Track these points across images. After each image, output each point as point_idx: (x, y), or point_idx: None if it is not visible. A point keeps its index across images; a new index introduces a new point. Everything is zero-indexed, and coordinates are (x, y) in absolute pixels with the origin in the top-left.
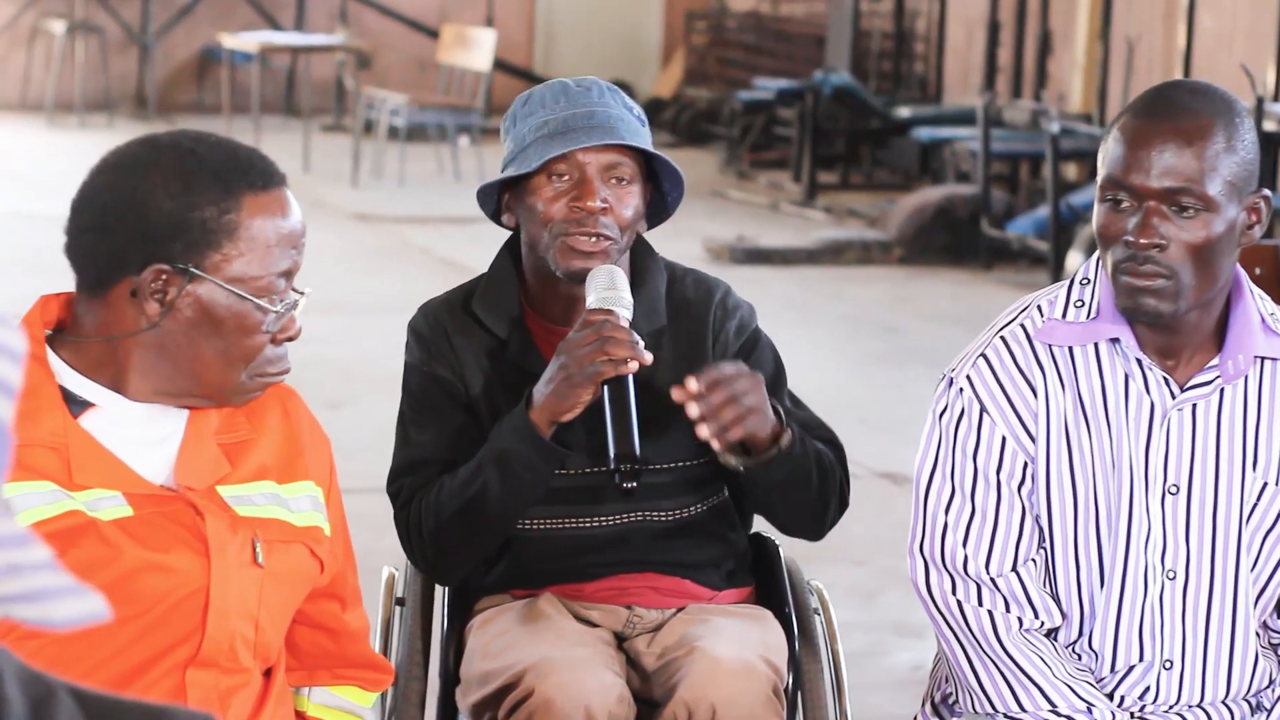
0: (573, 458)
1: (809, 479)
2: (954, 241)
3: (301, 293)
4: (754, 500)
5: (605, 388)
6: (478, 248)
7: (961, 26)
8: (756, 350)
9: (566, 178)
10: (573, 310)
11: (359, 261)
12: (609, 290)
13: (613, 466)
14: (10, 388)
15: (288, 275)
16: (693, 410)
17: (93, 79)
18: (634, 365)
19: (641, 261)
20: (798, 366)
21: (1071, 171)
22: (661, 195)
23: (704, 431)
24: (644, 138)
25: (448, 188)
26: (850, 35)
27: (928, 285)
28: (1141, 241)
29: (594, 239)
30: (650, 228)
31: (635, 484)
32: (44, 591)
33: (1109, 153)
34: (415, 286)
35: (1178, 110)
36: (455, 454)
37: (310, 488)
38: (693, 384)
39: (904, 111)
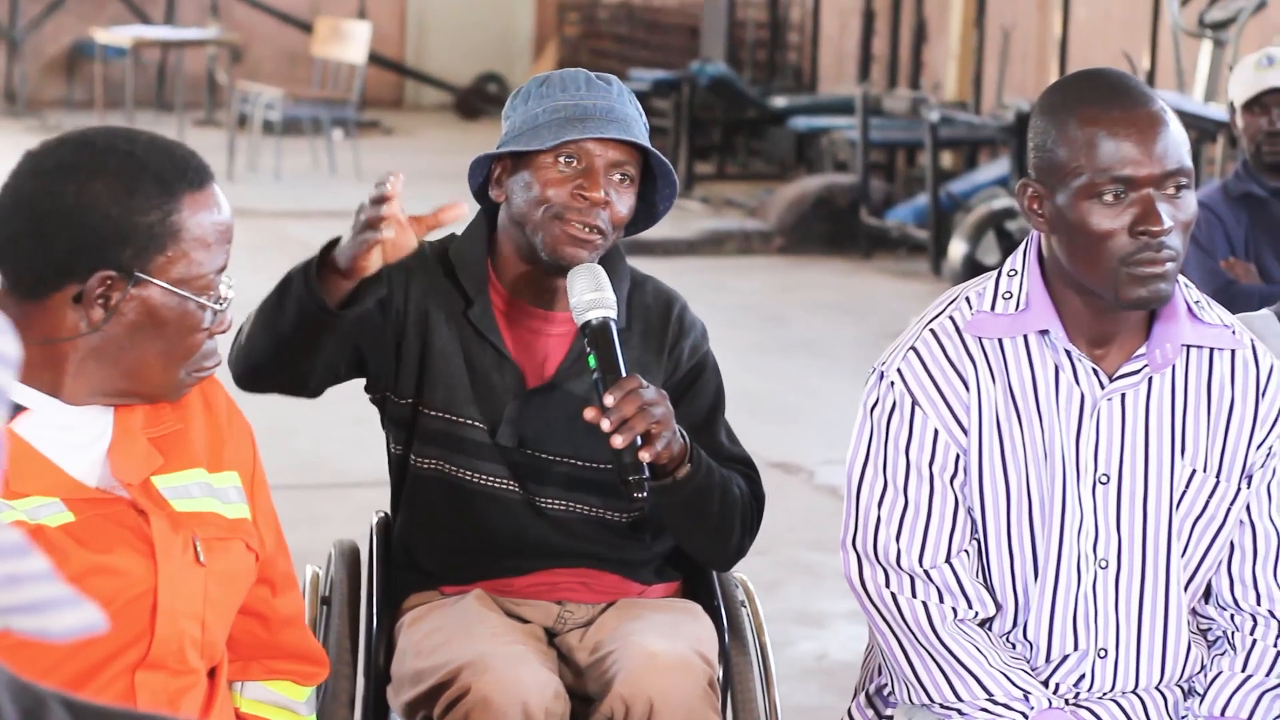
0: (446, 399)
1: (709, 508)
2: (834, 230)
3: (230, 285)
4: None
5: (599, 388)
6: None
7: (836, 16)
8: (703, 376)
9: (575, 163)
10: (538, 290)
11: (239, 257)
12: (595, 293)
13: (624, 476)
14: (5, 395)
15: (221, 270)
16: (605, 424)
17: None
18: (387, 233)
19: (611, 264)
20: None
21: (947, 160)
22: (646, 204)
23: (618, 440)
24: (648, 143)
25: (324, 181)
26: (725, 25)
27: (809, 274)
28: (1154, 229)
29: (589, 229)
30: (633, 233)
31: (645, 493)
32: (43, 603)
33: (1091, 147)
34: None
35: (1137, 95)
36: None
37: (234, 478)
38: (610, 399)
39: (780, 101)
